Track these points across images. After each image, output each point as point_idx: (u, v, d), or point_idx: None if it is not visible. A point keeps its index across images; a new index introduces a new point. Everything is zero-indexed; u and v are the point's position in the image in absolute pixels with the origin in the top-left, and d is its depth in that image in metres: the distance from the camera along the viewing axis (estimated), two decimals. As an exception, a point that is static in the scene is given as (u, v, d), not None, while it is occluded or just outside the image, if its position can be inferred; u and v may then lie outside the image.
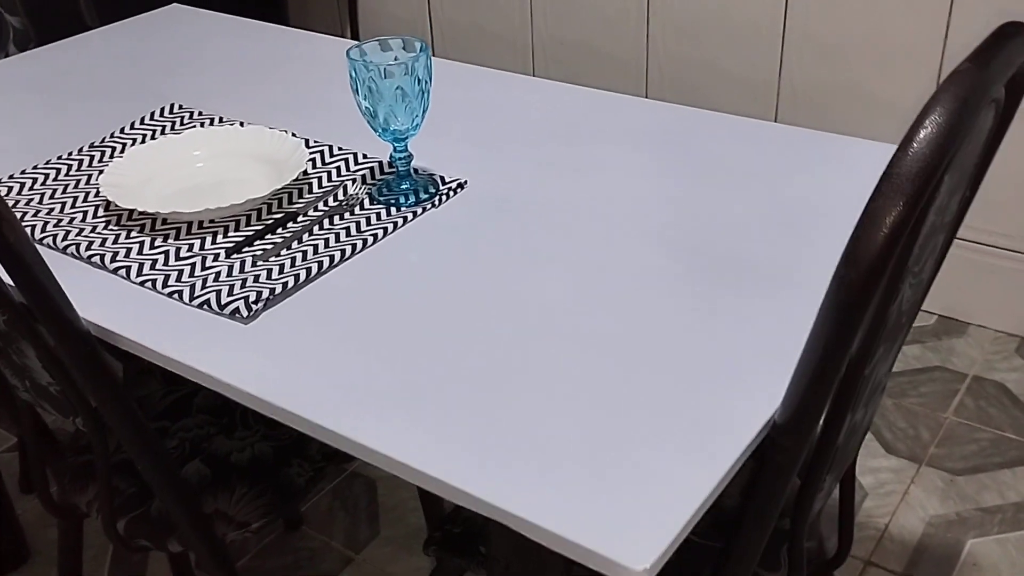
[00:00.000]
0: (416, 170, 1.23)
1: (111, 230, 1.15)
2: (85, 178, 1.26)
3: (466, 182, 1.21)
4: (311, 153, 1.28)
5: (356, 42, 1.13)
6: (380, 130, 1.14)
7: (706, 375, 0.89)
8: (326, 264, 1.06)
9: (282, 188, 1.18)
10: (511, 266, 1.05)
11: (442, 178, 1.22)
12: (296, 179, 1.19)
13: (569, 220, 1.13)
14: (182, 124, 1.39)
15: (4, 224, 0.89)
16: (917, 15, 1.96)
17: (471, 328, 0.96)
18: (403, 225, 1.13)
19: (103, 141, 1.35)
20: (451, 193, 1.19)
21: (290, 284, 1.03)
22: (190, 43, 1.70)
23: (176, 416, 1.33)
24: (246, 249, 1.10)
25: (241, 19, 1.80)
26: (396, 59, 1.14)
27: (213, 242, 1.12)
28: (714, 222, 1.11)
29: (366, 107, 1.12)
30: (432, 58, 1.12)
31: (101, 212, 1.19)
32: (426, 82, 1.12)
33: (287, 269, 1.05)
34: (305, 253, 1.08)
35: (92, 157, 1.31)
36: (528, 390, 0.88)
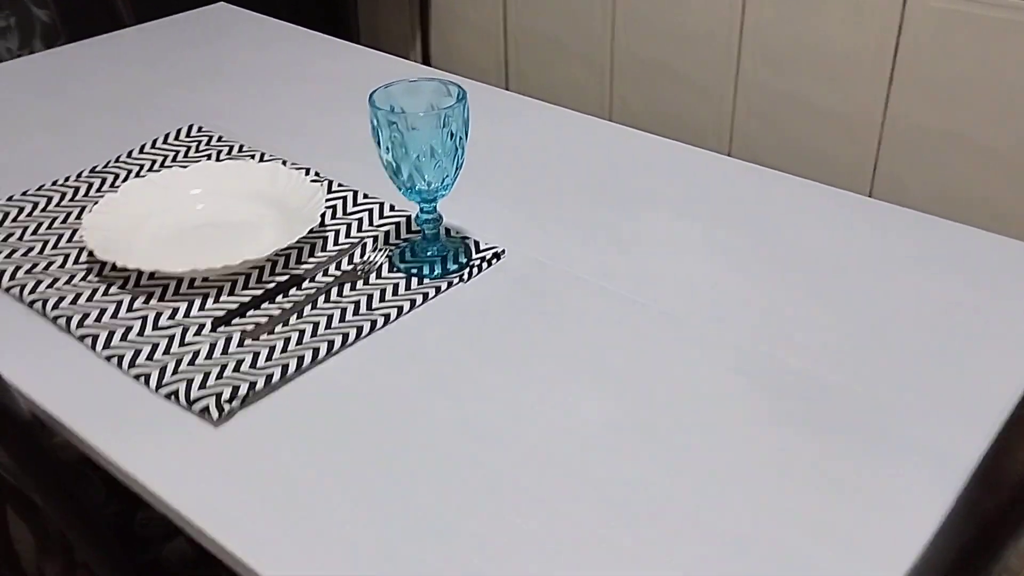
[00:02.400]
0: (448, 231, 1.05)
1: (89, 282, 0.99)
2: (77, 211, 1.11)
3: (503, 252, 1.03)
4: (331, 199, 1.11)
5: (386, 82, 0.96)
6: (404, 188, 0.96)
7: (799, 560, 0.69)
8: (323, 352, 0.88)
9: (287, 247, 1.01)
10: (542, 374, 0.87)
11: (476, 244, 1.03)
12: (307, 234, 1.02)
13: (619, 315, 0.94)
14: (196, 151, 1.23)
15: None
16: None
17: (481, 457, 0.78)
18: (421, 304, 0.96)
19: (106, 166, 1.20)
20: (484, 265, 1.01)
21: (275, 377, 0.85)
22: (231, 50, 1.55)
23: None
24: (236, 321, 0.93)
25: (292, 26, 1.64)
26: (430, 107, 0.96)
27: (202, 307, 0.95)
28: (803, 337, 0.91)
29: (388, 161, 0.95)
30: (469, 108, 0.94)
31: (84, 257, 1.03)
32: (461, 137, 0.94)
33: (277, 355, 0.88)
34: (302, 333, 0.91)
35: (90, 185, 1.16)
36: (558, 561, 0.70)
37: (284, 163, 1.19)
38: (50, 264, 1.02)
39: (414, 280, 0.98)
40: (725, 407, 0.82)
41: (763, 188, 1.14)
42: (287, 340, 0.90)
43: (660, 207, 1.10)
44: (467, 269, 0.99)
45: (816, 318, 0.93)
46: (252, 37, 1.60)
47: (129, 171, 1.19)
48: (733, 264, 1.00)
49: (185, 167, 1.15)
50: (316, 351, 0.88)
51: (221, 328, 0.92)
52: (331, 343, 0.89)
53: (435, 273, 0.99)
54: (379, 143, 0.94)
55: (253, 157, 1.21)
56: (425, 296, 0.96)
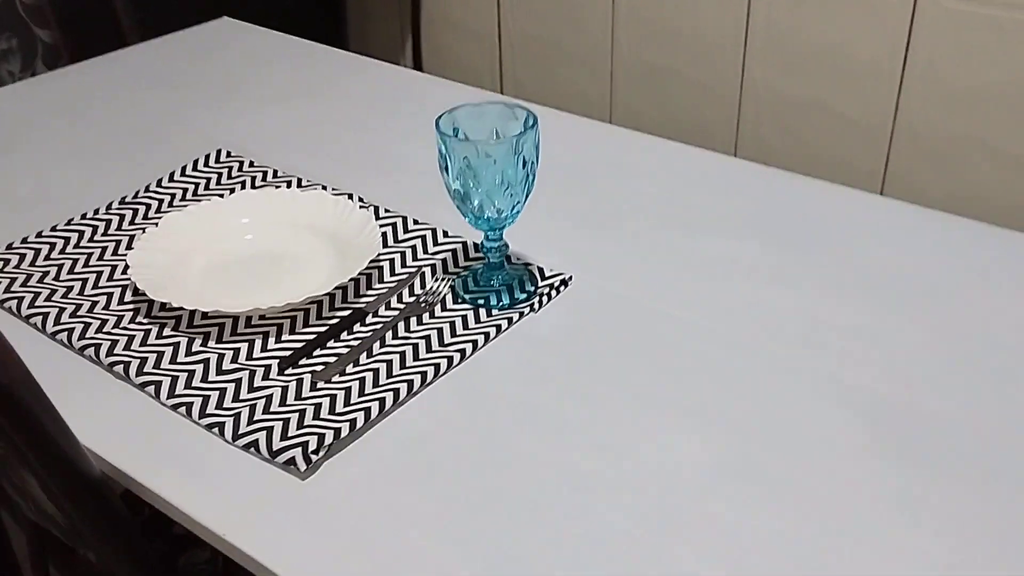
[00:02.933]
0: (508, 257, 1.01)
1: (140, 324, 0.94)
2: (112, 246, 1.06)
3: (571, 278, 0.99)
4: (382, 225, 1.07)
5: (447, 109, 0.92)
6: (472, 216, 0.92)
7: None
8: (403, 393, 0.84)
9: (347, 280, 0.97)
10: (629, 410, 0.83)
11: (541, 271, 1.00)
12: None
13: (701, 345, 0.90)
14: (229, 178, 1.18)
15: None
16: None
17: (577, 499, 0.75)
18: (495, 337, 0.92)
19: (136, 196, 1.14)
20: (553, 292, 0.97)
21: (359, 423, 0.81)
22: (241, 67, 1.49)
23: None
24: (304, 362, 0.89)
25: (302, 41, 1.59)
26: (497, 133, 0.92)
27: (264, 347, 0.91)
28: (904, 364, 0.88)
29: (456, 189, 0.91)
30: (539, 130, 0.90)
31: (129, 295, 0.98)
32: (533, 163, 0.90)
33: (355, 398, 0.84)
34: (375, 374, 0.87)
35: (122, 217, 1.11)
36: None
37: (324, 188, 1.14)
38: (94, 305, 0.97)
39: (481, 311, 0.95)
40: (831, 443, 0.80)
41: (828, 203, 1.11)
42: (362, 381, 0.86)
43: (724, 227, 1.07)
44: (536, 298, 0.96)
45: (913, 342, 0.90)
46: (259, 52, 1.55)
47: (161, 200, 1.13)
48: (814, 287, 0.98)
49: (222, 196, 1.10)
50: (396, 392, 0.84)
51: (289, 371, 0.88)
52: (410, 383, 0.85)
53: (503, 303, 0.95)
54: (447, 171, 0.90)
55: (290, 184, 1.16)
56: (498, 329, 0.92)
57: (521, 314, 0.94)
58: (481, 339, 0.91)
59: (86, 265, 1.03)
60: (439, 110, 0.92)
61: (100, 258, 1.04)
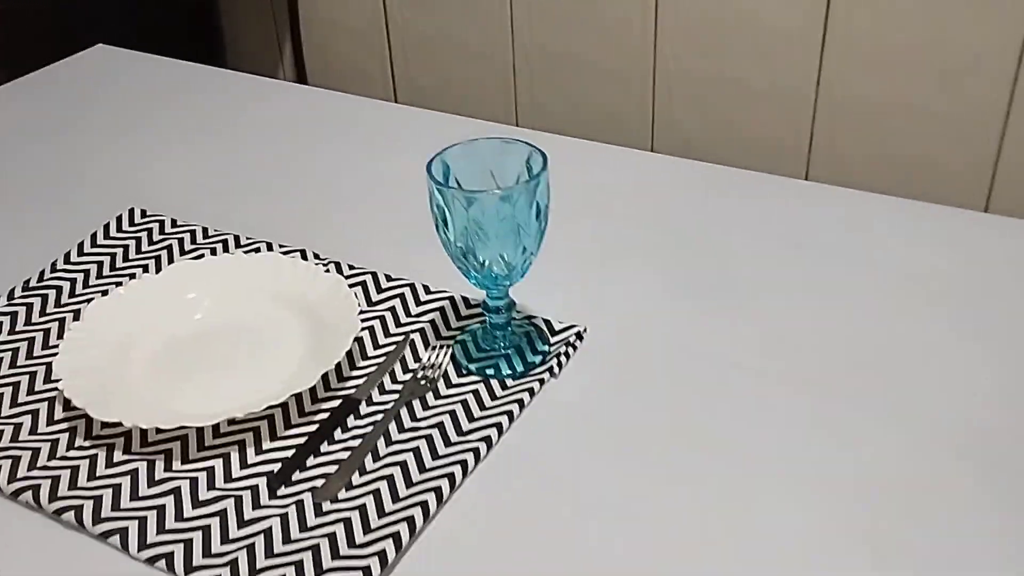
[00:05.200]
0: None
1: (81, 449, 0.76)
2: (24, 347, 0.87)
3: (585, 330, 0.86)
4: (349, 285, 0.91)
5: (439, 151, 0.77)
6: (474, 274, 0.78)
7: None
8: (432, 506, 0.70)
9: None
10: (701, 480, 0.71)
11: (548, 324, 0.86)
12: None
13: (766, 394, 0.78)
14: (151, 243, 1.00)
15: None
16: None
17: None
18: (519, 415, 0.78)
19: (41, 279, 0.95)
20: (569, 351, 0.83)
21: (389, 554, 0.66)
22: (130, 101, 1.30)
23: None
24: (298, 478, 0.73)
25: (192, 65, 1.40)
26: (492, 176, 0.78)
27: (243, 462, 0.74)
28: (1006, 390, 0.79)
29: (458, 246, 0.76)
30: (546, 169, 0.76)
31: (59, 412, 0.80)
32: (546, 207, 0.77)
33: (375, 521, 0.69)
34: (390, 482, 0.71)
35: (29, 308, 0.92)
36: None
37: (270, 246, 0.98)
38: (18, 430, 0.78)
39: (493, 382, 0.81)
40: (956, 505, 0.69)
41: (841, 207, 1.01)
42: (376, 496, 0.71)
43: (741, 244, 0.96)
44: (552, 359, 0.82)
45: (993, 362, 0.80)
46: (145, 81, 1.35)
47: (73, 281, 0.95)
48: (883, 313, 0.87)
49: (146, 267, 0.92)
50: (424, 506, 0.69)
51: (281, 490, 0.72)
52: (438, 492, 0.70)
53: (518, 371, 0.81)
54: (446, 226, 0.75)
55: (225, 244, 0.99)
56: (520, 404, 0.78)
57: (541, 381, 0.80)
58: (505, 420, 0.77)
59: (-4, 377, 0.84)
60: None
61: (12, 365, 0.85)
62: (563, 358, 0.82)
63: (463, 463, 0.73)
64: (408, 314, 0.88)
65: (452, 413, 0.78)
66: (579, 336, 0.85)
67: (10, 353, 0.86)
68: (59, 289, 0.94)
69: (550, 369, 0.81)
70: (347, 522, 0.69)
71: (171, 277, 0.90)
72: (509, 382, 0.80)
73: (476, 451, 0.74)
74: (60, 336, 0.88)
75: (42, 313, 0.91)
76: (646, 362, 0.82)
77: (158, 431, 0.77)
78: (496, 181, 0.79)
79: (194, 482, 0.73)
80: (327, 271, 0.91)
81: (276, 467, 0.74)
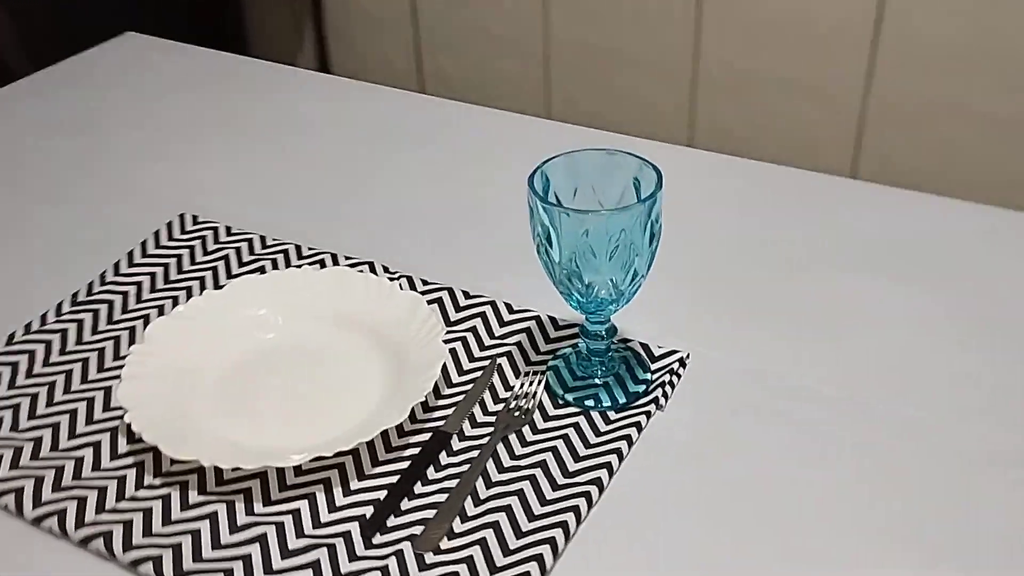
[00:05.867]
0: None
1: (152, 488, 0.70)
2: (79, 368, 0.81)
3: (688, 356, 0.80)
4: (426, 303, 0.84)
5: (539, 163, 0.71)
6: (576, 297, 0.72)
7: None
8: (548, 561, 0.63)
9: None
10: (840, 540, 0.65)
11: (647, 348, 0.80)
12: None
13: (908, 437, 0.72)
14: (206, 253, 0.93)
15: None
16: None
17: None
18: (628, 452, 0.71)
19: (92, 292, 0.89)
20: (674, 379, 0.77)
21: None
22: (164, 94, 1.23)
23: None
24: (393, 523, 0.67)
25: (234, 57, 1.33)
26: (595, 190, 0.72)
27: (331, 504, 0.68)
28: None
29: (563, 269, 0.70)
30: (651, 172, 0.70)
31: (123, 444, 0.74)
32: (659, 229, 0.70)
33: (484, 571, 0.63)
34: (498, 532, 0.65)
35: (80, 324, 0.85)
36: None
37: (335, 259, 0.91)
38: (80, 466, 0.72)
39: (594, 414, 0.74)
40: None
41: (944, 219, 0.94)
42: (483, 546, 0.64)
43: (842, 260, 0.90)
44: (657, 390, 0.76)
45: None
46: (179, 72, 1.28)
47: (125, 294, 0.88)
48: (983, 331, 0.81)
49: (201, 279, 0.86)
50: (540, 561, 0.63)
51: (376, 537, 0.66)
52: (552, 543, 0.64)
53: (619, 402, 0.75)
54: (551, 245, 0.69)
55: (287, 255, 0.92)
56: (629, 441, 0.72)
57: (648, 414, 0.74)
58: (614, 460, 0.70)
59: (51, 404, 0.77)
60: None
61: (67, 390, 0.79)
62: (668, 388, 0.76)
63: (575, 509, 0.66)
64: (492, 335, 0.82)
65: (555, 451, 0.71)
66: (683, 363, 0.79)
67: (63, 376, 0.80)
68: (111, 304, 0.87)
69: (655, 400, 0.75)
70: (454, 576, 0.63)
71: (234, 294, 0.83)
72: (611, 415, 0.74)
73: (588, 495, 0.68)
74: (116, 357, 0.81)
75: (94, 331, 0.84)
76: (764, 397, 0.76)
77: (235, 468, 0.70)
78: (598, 197, 0.73)
79: (280, 528, 0.67)
80: (401, 287, 0.84)
81: (366, 510, 0.68)
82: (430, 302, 0.85)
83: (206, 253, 0.93)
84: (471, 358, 0.80)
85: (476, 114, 1.17)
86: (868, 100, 1.13)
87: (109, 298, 0.88)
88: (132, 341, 0.83)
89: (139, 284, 0.89)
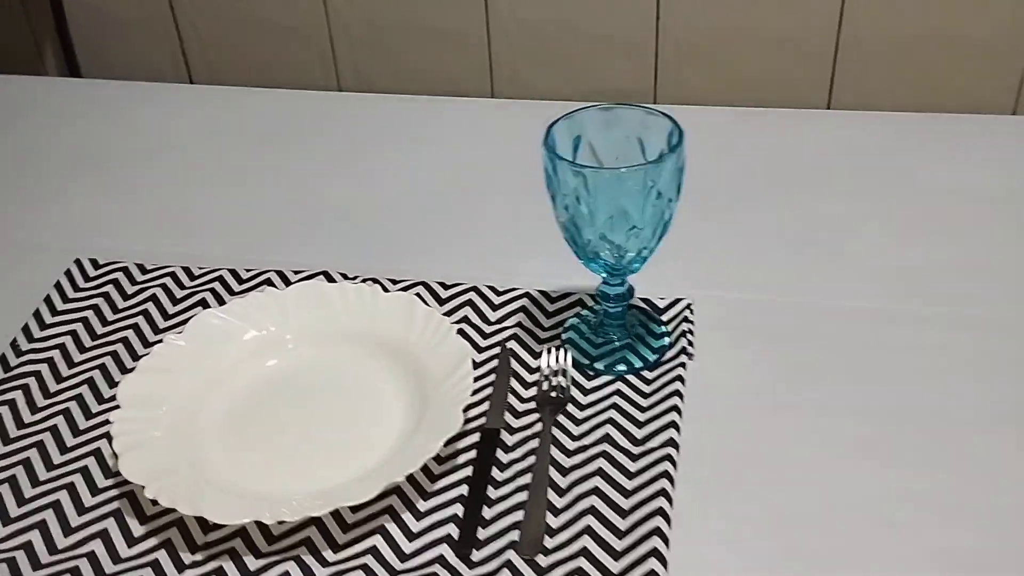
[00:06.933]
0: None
1: (198, 566, 0.61)
2: (35, 453, 0.69)
3: (692, 303, 0.78)
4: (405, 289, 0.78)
5: (564, 113, 0.66)
6: (604, 260, 0.69)
7: None
8: (664, 551, 0.60)
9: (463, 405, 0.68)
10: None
11: (649, 302, 0.78)
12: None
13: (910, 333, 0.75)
14: (126, 298, 0.82)
15: None
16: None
17: None
18: (678, 416, 0.69)
19: (11, 368, 0.76)
20: (687, 331, 0.76)
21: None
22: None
23: None
24: (484, 535, 0.62)
25: (39, 79, 1.17)
26: (641, 144, 0.68)
27: (408, 534, 0.62)
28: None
29: (600, 231, 0.66)
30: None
31: (137, 527, 0.63)
32: (672, 199, 0.68)
33: (619, 571, 0.59)
34: (600, 517, 0.62)
35: (11, 405, 0.72)
36: None
37: (281, 275, 0.83)
38: (96, 563, 0.61)
39: (630, 378, 0.72)
40: None
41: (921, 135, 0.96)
42: (592, 535, 0.61)
43: (820, 185, 0.91)
44: (680, 340, 0.74)
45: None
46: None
47: (50, 360, 0.76)
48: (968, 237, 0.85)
49: (136, 332, 0.76)
50: (661, 534, 0.60)
51: (474, 554, 0.61)
52: (663, 513, 0.61)
53: (651, 360, 0.73)
54: (553, 197, 0.65)
55: (223, 281, 0.83)
56: (680, 395, 0.70)
57: (683, 365, 0.73)
58: (676, 417, 0.68)
59: (23, 501, 0.65)
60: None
61: (36, 482, 0.67)
62: (689, 336, 0.75)
63: (666, 475, 0.64)
64: (487, 321, 0.77)
65: (613, 422, 0.68)
66: (690, 308, 0.78)
67: (22, 467, 0.68)
68: (38, 375, 0.75)
69: (683, 351, 0.74)
70: (580, 572, 0.59)
71: (198, 333, 0.74)
72: (647, 374, 0.72)
73: (669, 458, 0.65)
74: (76, 433, 0.70)
75: (33, 409, 0.72)
76: (770, 326, 0.76)
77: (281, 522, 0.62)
78: (599, 157, 0.70)
79: (367, 570, 0.60)
80: (386, 290, 0.78)
81: (449, 530, 0.62)
82: (404, 288, 0.79)
83: (126, 297, 0.82)
84: (476, 348, 0.75)
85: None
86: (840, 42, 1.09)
87: (34, 368, 0.75)
88: (85, 412, 0.72)
89: (62, 346, 0.77)
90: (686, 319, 0.76)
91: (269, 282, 0.82)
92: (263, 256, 0.85)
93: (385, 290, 0.78)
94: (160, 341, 0.75)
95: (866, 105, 1.04)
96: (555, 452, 0.67)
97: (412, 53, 1.19)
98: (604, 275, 0.71)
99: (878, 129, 0.98)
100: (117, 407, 0.68)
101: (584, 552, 0.60)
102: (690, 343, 0.74)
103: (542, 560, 0.60)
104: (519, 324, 0.77)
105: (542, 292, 0.80)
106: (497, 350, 0.75)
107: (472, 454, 0.67)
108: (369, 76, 1.21)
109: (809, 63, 1.10)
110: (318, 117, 1.06)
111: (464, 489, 0.65)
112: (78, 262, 0.85)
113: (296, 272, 0.83)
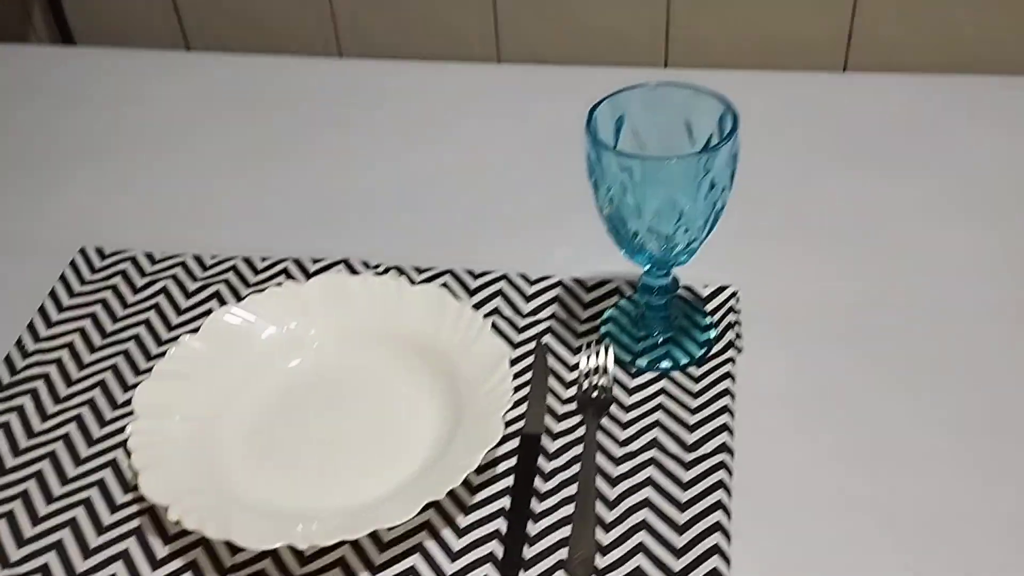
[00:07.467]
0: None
1: (226, 591, 0.57)
2: (48, 464, 0.65)
3: (737, 292, 0.74)
4: (424, 282, 0.73)
5: (606, 95, 0.62)
6: (650, 252, 0.64)
7: None
8: (724, 547, 0.57)
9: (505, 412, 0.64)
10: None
11: (692, 291, 0.74)
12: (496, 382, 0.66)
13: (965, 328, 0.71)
14: (136, 291, 0.77)
15: None
16: None
17: None
18: (729, 415, 0.66)
19: (17, 371, 0.71)
20: (733, 323, 0.71)
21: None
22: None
23: None
24: (530, 553, 0.58)
25: (30, 48, 1.11)
26: (689, 128, 0.64)
27: (448, 553, 0.58)
28: None
29: (648, 223, 0.62)
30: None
31: (161, 547, 0.60)
32: (725, 188, 0.63)
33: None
34: (653, 532, 0.58)
35: (20, 412, 0.68)
36: None
37: (299, 264, 0.78)
38: (107, 552, 0.58)
39: (676, 375, 0.68)
40: None
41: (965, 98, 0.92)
42: (646, 554, 0.57)
43: (860, 163, 0.86)
44: (728, 332, 0.70)
45: None
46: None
47: (59, 360, 0.71)
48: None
49: (147, 327, 0.72)
50: (720, 552, 0.57)
51: (523, 575, 0.57)
52: (721, 528, 0.58)
53: (697, 355, 0.69)
54: (596, 188, 0.61)
55: (237, 271, 0.78)
56: (731, 395, 0.66)
57: (732, 361, 0.68)
58: (728, 420, 0.64)
59: (37, 520, 0.61)
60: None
61: (50, 499, 0.63)
62: (737, 328, 0.71)
63: (721, 485, 0.60)
64: (520, 313, 0.73)
65: (660, 425, 0.64)
66: (735, 297, 0.73)
67: (34, 479, 0.64)
68: (47, 377, 0.70)
69: (731, 345, 0.69)
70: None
71: (214, 335, 0.69)
72: (693, 371, 0.68)
73: (724, 465, 0.61)
74: (90, 443, 0.66)
75: (44, 417, 0.68)
76: (818, 320, 0.72)
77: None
78: (641, 141, 0.65)
79: (408, 595, 0.56)
80: (413, 282, 0.73)
81: (492, 547, 0.58)
82: (430, 278, 0.74)
83: (135, 290, 0.77)
84: (511, 344, 0.71)
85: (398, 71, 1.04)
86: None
87: (42, 371, 0.71)
88: (99, 419, 0.67)
89: (70, 345, 0.73)
90: (732, 309, 0.72)
91: (286, 272, 0.77)
92: (277, 245, 0.81)
93: (411, 281, 0.74)
94: (174, 339, 0.71)
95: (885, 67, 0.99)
96: (600, 458, 0.63)
97: (413, 11, 1.12)
98: (648, 267, 0.67)
99: (902, 96, 0.93)
100: (132, 415, 0.64)
101: (638, 573, 0.56)
102: (738, 335, 0.70)
103: (591, 580, 0.56)
104: (553, 316, 0.73)
105: (577, 280, 0.75)
106: (532, 345, 0.70)
107: (511, 462, 0.63)
108: (371, 38, 1.14)
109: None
110: (321, 87, 1.00)
111: (505, 501, 0.61)
112: (83, 252, 0.81)
113: (315, 260, 0.78)
